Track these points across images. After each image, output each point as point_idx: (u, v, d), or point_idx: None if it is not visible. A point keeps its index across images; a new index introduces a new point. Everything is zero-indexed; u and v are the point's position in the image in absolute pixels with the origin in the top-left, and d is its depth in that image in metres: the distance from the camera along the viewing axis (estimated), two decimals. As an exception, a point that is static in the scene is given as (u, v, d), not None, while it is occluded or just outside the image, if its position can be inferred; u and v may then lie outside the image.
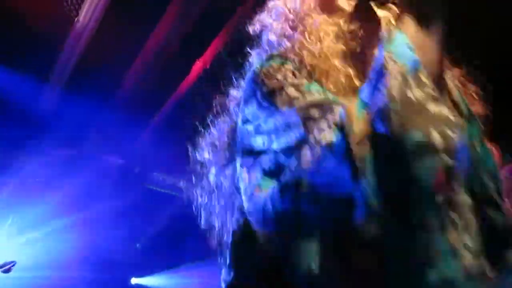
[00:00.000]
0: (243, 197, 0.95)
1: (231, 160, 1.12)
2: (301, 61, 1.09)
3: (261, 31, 1.33)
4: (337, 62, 1.08)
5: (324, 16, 1.15)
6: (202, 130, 1.29)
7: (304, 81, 1.01)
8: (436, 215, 0.72)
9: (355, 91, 0.97)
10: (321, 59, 1.09)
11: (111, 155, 4.20)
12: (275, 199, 0.83)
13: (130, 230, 5.26)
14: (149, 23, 3.13)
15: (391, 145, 0.73)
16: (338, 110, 0.86)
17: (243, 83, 1.25)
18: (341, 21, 1.13)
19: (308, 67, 1.08)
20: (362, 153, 0.74)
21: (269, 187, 0.87)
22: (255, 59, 1.31)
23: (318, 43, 1.11)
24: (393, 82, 0.78)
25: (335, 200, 0.77)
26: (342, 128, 0.81)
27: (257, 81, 1.03)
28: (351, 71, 1.08)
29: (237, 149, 1.05)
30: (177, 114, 3.53)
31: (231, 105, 1.24)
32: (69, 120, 3.69)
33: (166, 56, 3.22)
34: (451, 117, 0.75)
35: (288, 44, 1.15)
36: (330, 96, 0.97)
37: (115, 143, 3.92)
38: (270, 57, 1.10)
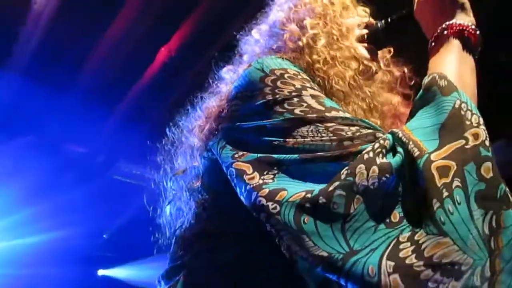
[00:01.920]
0: (249, 196, 0.87)
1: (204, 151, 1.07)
2: (319, 80, 1.07)
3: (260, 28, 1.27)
4: (355, 95, 1.10)
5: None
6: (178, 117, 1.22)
7: (323, 95, 0.97)
8: None
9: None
10: (343, 86, 1.08)
11: (73, 144, 4.08)
12: (319, 206, 0.79)
13: (96, 221, 5.16)
14: (113, 8, 3.01)
15: (485, 188, 0.75)
16: (386, 135, 0.85)
17: (228, 75, 1.19)
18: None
19: (325, 86, 1.06)
20: (447, 181, 0.75)
21: (291, 190, 0.82)
22: (254, 45, 1.24)
23: (342, 68, 1.11)
24: (481, 132, 0.80)
25: None
26: (400, 152, 0.81)
27: (267, 82, 0.97)
28: (365, 107, 1.11)
29: (222, 146, 0.97)
30: (142, 102, 3.45)
31: (216, 94, 1.16)
32: (27, 107, 3.55)
33: (130, 42, 3.12)
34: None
35: (309, 54, 1.12)
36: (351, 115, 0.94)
37: (77, 131, 3.80)
38: (284, 60, 1.04)
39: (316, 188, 0.81)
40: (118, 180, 4.82)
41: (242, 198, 0.89)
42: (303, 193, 0.81)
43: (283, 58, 1.05)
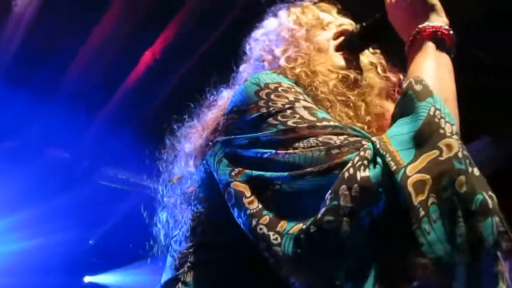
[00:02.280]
0: (241, 216, 0.90)
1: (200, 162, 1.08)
2: (306, 87, 1.09)
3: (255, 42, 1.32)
4: (340, 103, 1.12)
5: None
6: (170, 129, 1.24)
7: (316, 107, 0.99)
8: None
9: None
10: (327, 93, 1.11)
11: (56, 149, 4.02)
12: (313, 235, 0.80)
13: (82, 227, 5.09)
14: (96, 11, 2.97)
15: (460, 203, 0.76)
16: (368, 144, 0.86)
17: (226, 92, 1.22)
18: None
19: (316, 98, 1.08)
20: (423, 198, 0.76)
21: (291, 220, 0.84)
22: (243, 74, 1.30)
23: (324, 79, 1.14)
24: (454, 143, 0.81)
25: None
26: (379, 163, 0.82)
27: (261, 95, 0.99)
28: (351, 113, 1.12)
29: (220, 158, 0.99)
30: (127, 105, 3.41)
31: (211, 107, 1.19)
32: (9, 112, 3.48)
33: (114, 46, 3.08)
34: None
35: (295, 68, 1.16)
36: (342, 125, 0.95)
37: (60, 136, 3.74)
38: (278, 74, 1.07)
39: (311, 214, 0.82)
40: (104, 185, 4.77)
41: (239, 220, 0.91)
42: (301, 224, 0.82)
43: (278, 73, 1.08)
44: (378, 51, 1.37)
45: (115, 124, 3.59)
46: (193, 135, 1.15)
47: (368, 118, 1.17)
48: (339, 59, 1.24)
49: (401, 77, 1.31)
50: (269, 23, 1.38)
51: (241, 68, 1.35)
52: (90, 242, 5.62)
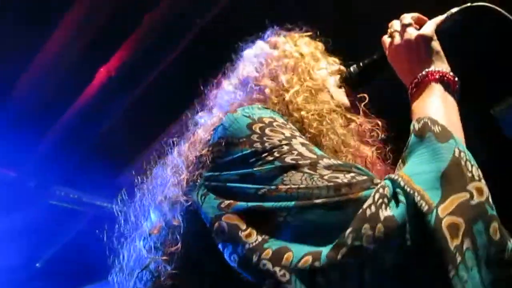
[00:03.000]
0: (232, 252, 0.82)
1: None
2: (310, 136, 1.05)
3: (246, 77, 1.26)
4: (344, 149, 1.09)
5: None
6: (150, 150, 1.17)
7: (311, 143, 0.94)
8: None
9: None
10: (334, 141, 1.08)
11: (1, 168, 3.82)
12: (331, 277, 0.74)
13: (28, 249, 4.83)
14: (48, 24, 2.87)
15: (494, 250, 0.75)
16: (384, 181, 0.82)
17: (203, 121, 1.14)
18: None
19: (319, 143, 1.04)
20: (458, 243, 0.73)
21: (297, 251, 0.77)
22: (226, 95, 1.22)
23: (332, 125, 1.11)
24: (484, 188, 0.79)
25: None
26: (402, 201, 0.77)
27: (255, 129, 0.92)
28: (351, 158, 1.09)
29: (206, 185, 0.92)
30: (79, 124, 3.30)
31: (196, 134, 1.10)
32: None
33: (66, 61, 2.98)
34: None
35: (291, 110, 1.11)
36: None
37: (6, 155, 3.56)
38: (271, 111, 1.02)
39: (322, 249, 0.75)
40: (54, 204, 4.57)
41: (233, 257, 0.82)
42: (310, 258, 0.75)
43: (271, 110, 1.03)
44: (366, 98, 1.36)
45: (67, 142, 3.46)
46: (172, 175, 1.05)
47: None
48: (344, 97, 1.23)
49: (379, 122, 1.30)
50: (262, 46, 1.32)
51: (226, 85, 1.26)
52: (37, 265, 5.35)
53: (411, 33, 1.11)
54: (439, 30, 1.14)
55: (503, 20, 1.10)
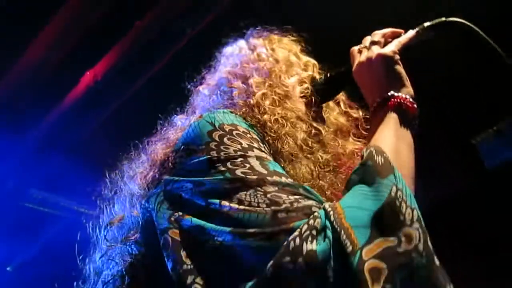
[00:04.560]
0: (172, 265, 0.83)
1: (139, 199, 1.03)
2: (269, 138, 1.04)
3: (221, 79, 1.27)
4: (302, 155, 1.07)
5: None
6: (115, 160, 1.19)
7: (270, 158, 0.94)
8: None
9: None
10: (292, 147, 1.06)
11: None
12: None
13: (0, 252, 4.71)
14: (35, 25, 2.84)
15: None
16: (318, 211, 0.81)
17: (179, 123, 1.16)
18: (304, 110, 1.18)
19: (275, 147, 1.04)
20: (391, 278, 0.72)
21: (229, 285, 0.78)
22: (202, 100, 1.24)
23: (294, 130, 1.10)
24: (413, 234, 0.77)
25: None
26: (328, 236, 0.77)
27: (214, 137, 0.93)
28: (312, 167, 1.07)
29: (162, 199, 0.93)
30: (61, 128, 3.25)
31: (159, 141, 1.13)
32: None
33: (52, 63, 2.94)
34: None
35: (258, 113, 1.11)
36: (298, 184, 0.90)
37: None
38: (236, 116, 1.02)
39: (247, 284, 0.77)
40: (30, 207, 4.48)
41: (173, 272, 0.84)
42: None
43: (236, 114, 1.03)
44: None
45: (48, 145, 3.40)
46: (139, 172, 1.09)
47: (325, 156, 1.15)
48: (303, 106, 1.23)
49: (361, 113, 1.34)
50: (242, 47, 1.34)
51: (202, 88, 1.28)
52: (8, 269, 5.20)
53: (374, 51, 1.10)
54: (407, 46, 1.12)
55: (477, 39, 1.07)
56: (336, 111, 1.35)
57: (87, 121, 3.26)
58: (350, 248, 0.74)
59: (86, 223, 1.15)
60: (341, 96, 1.39)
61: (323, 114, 1.30)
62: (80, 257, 1.12)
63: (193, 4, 2.65)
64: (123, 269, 0.99)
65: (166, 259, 0.87)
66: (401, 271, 0.73)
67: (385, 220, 0.78)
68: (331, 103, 1.36)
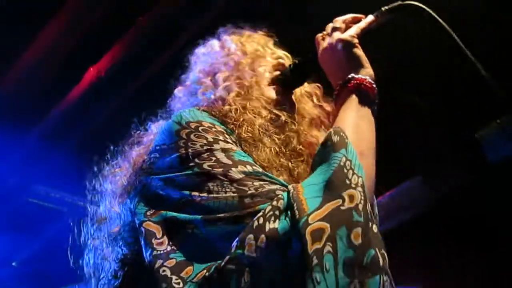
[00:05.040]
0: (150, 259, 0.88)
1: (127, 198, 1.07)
2: (232, 126, 1.09)
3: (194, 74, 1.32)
4: (266, 139, 1.12)
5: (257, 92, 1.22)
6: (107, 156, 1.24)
7: (235, 148, 0.99)
8: None
9: (281, 170, 1.02)
10: (252, 132, 1.10)
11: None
12: (213, 284, 0.79)
13: (5, 247, 4.74)
14: (38, 22, 2.85)
15: (353, 254, 0.76)
16: (282, 193, 0.85)
17: (154, 127, 1.22)
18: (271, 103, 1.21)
19: (239, 133, 1.08)
20: (319, 247, 0.76)
21: (197, 267, 0.83)
22: (177, 100, 1.31)
23: (253, 116, 1.14)
24: (356, 194, 0.81)
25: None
26: (289, 214, 0.80)
27: (181, 135, 0.98)
28: (277, 149, 1.12)
29: (140, 195, 0.99)
30: (65, 124, 3.26)
31: (142, 139, 1.19)
32: None
33: (56, 59, 2.95)
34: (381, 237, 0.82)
35: (221, 106, 1.16)
36: (261, 170, 0.95)
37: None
38: (201, 112, 1.07)
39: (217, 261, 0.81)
40: (34, 203, 4.51)
41: (146, 260, 0.90)
42: (204, 271, 0.82)
43: (201, 111, 1.08)
44: (313, 81, 1.43)
45: (52, 140, 3.42)
46: (117, 174, 1.15)
47: (299, 147, 1.19)
48: (273, 93, 1.27)
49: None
50: (213, 45, 1.40)
51: (177, 91, 1.35)
52: (13, 264, 5.25)
53: (335, 37, 1.15)
54: (366, 31, 1.16)
55: (433, 23, 1.10)
56: (311, 104, 1.38)
57: (91, 117, 3.27)
58: (297, 216, 0.79)
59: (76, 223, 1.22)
60: (316, 90, 1.41)
61: (297, 104, 1.33)
62: (72, 257, 1.18)
63: (196, 0, 2.66)
64: (117, 268, 1.05)
65: (144, 250, 0.92)
66: (341, 227, 0.78)
67: (334, 186, 0.83)
68: (302, 95, 1.38)
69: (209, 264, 0.83)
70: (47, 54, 2.93)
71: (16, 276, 5.16)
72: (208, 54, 1.36)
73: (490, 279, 3.51)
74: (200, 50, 1.41)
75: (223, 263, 0.79)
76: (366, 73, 1.10)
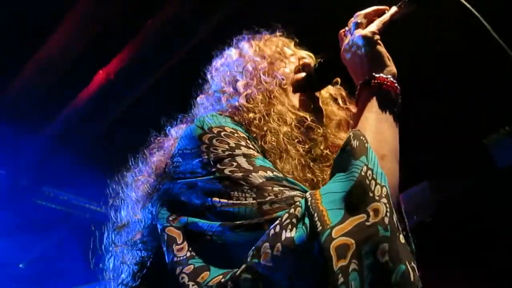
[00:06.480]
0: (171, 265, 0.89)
1: (148, 202, 1.08)
2: (255, 135, 1.08)
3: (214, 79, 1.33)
4: (291, 148, 1.10)
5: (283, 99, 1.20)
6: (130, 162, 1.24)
7: (257, 154, 0.99)
8: None
9: (305, 184, 0.99)
10: (277, 141, 1.09)
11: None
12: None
13: (12, 249, 4.76)
14: (48, 24, 2.88)
15: (380, 272, 0.74)
16: (300, 200, 0.84)
17: (174, 132, 1.21)
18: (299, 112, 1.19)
19: (262, 143, 1.07)
20: (344, 264, 0.74)
21: (214, 271, 0.84)
22: (201, 108, 1.30)
23: (277, 124, 1.13)
24: (381, 208, 0.78)
25: None
26: (307, 223, 0.79)
27: (204, 140, 0.98)
28: (303, 162, 1.10)
29: (163, 201, 0.99)
30: (74, 125, 3.28)
31: (165, 144, 1.19)
32: None
33: (65, 62, 2.98)
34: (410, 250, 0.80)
35: (245, 113, 1.14)
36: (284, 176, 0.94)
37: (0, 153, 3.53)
38: (224, 117, 1.06)
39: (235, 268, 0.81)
40: (43, 205, 4.53)
41: (168, 265, 0.91)
42: (220, 277, 0.82)
43: (224, 116, 1.08)
44: (339, 82, 1.39)
45: (61, 143, 3.44)
46: (140, 181, 1.15)
47: (326, 151, 1.17)
48: (298, 96, 1.24)
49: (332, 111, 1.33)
50: (231, 53, 1.38)
51: (199, 99, 1.34)
52: (20, 266, 5.26)
53: (355, 34, 1.10)
54: (389, 24, 1.10)
55: (462, 9, 1.03)
56: (337, 106, 1.36)
57: (101, 119, 3.29)
58: (320, 228, 0.77)
59: (97, 223, 1.23)
60: (341, 91, 1.38)
61: (323, 106, 1.31)
62: (93, 260, 1.19)
63: (206, 2, 2.67)
64: (135, 270, 1.05)
65: (166, 255, 0.93)
66: (367, 243, 0.75)
67: (356, 199, 0.80)
68: (328, 97, 1.36)
69: (225, 270, 0.83)
70: (57, 57, 2.95)
71: (24, 278, 5.18)
72: (227, 64, 1.35)
73: (491, 281, 3.47)
74: (218, 61, 1.40)
75: (238, 271, 0.79)
76: (388, 72, 1.05)
